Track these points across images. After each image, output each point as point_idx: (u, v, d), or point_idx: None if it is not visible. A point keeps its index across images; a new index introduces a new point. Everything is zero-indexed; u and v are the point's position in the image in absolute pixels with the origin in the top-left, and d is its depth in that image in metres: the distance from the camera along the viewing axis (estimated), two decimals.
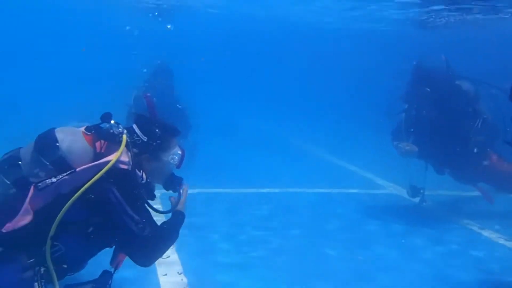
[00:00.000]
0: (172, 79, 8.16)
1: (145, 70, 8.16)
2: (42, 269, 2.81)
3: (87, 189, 2.78)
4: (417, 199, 6.35)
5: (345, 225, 5.73)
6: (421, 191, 6.21)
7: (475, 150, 5.95)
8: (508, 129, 5.93)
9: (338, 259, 4.68)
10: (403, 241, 5.29)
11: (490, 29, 13.50)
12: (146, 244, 2.98)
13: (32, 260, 2.82)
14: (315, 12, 14.70)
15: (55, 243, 2.82)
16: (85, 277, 3.13)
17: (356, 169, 9.07)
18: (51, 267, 2.79)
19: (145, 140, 3.12)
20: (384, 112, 6.27)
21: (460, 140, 5.92)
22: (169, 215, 3.35)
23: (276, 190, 7.22)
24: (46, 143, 2.89)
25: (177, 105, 7.89)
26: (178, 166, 3.28)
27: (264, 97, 19.96)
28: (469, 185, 6.49)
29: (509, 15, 11.61)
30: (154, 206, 3.17)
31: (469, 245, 5.20)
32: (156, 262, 3.40)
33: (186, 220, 3.35)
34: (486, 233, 5.62)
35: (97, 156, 2.92)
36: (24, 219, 2.70)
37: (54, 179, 2.74)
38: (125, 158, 2.94)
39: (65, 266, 2.92)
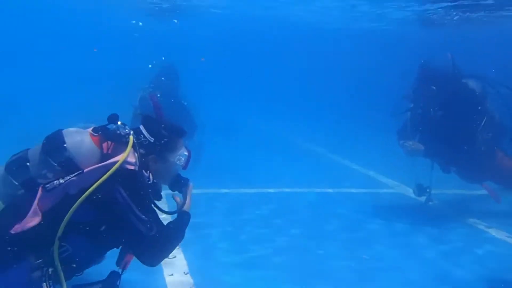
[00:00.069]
0: (177, 79, 8.17)
1: (150, 65, 8.15)
2: (50, 269, 2.82)
3: (94, 190, 2.79)
4: (423, 198, 6.33)
5: (350, 225, 5.72)
6: (428, 190, 6.19)
7: (482, 149, 5.93)
8: None
9: (343, 258, 4.67)
10: (407, 240, 5.28)
11: (496, 26, 13.44)
12: (153, 244, 3.01)
13: (40, 260, 2.84)
14: (316, 12, 14.71)
15: (62, 243, 2.84)
16: (92, 278, 3.14)
17: (362, 168, 9.05)
18: (59, 267, 2.81)
19: (152, 141, 3.14)
20: (390, 111, 6.24)
21: (467, 139, 5.89)
22: (175, 215, 3.37)
23: (279, 190, 7.21)
24: (54, 144, 2.90)
25: (183, 102, 7.89)
26: (185, 167, 3.29)
27: (267, 97, 19.96)
28: (475, 183, 6.46)
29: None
30: (160, 207, 3.18)
31: (476, 244, 5.18)
32: (162, 262, 3.41)
33: (191, 220, 3.37)
34: (493, 232, 5.59)
35: (104, 157, 2.94)
36: (32, 220, 2.72)
37: (62, 180, 2.76)
38: (132, 158, 2.96)
39: (74, 266, 2.95)
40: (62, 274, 2.81)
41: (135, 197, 2.92)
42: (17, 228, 2.72)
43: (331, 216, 6.01)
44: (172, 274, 4.07)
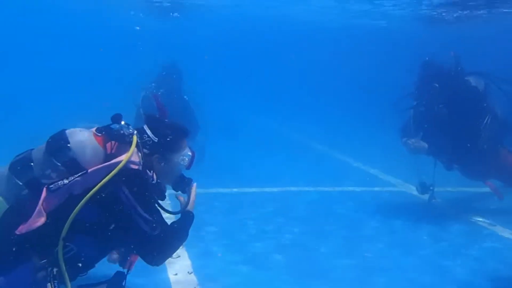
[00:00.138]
0: (180, 79, 8.15)
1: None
2: (55, 269, 2.82)
3: (98, 190, 2.79)
4: (426, 196, 6.32)
5: (352, 223, 5.71)
6: (431, 188, 6.18)
7: (485, 146, 5.92)
8: None
9: (344, 256, 4.67)
10: (410, 238, 5.28)
11: (498, 24, 13.41)
12: (157, 244, 3.02)
13: (44, 260, 2.83)
14: (317, 11, 14.70)
15: (67, 243, 2.83)
16: (97, 278, 3.15)
17: (364, 166, 9.04)
18: (63, 267, 2.80)
19: (156, 140, 3.14)
20: (392, 109, 6.22)
21: (470, 136, 5.88)
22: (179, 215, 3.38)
23: (281, 189, 7.21)
24: (58, 144, 2.90)
25: (185, 99, 7.87)
26: (188, 167, 3.29)
27: (268, 95, 19.94)
28: (478, 181, 6.45)
29: None
30: (164, 207, 3.18)
31: (480, 242, 5.17)
32: (166, 262, 3.41)
33: (194, 220, 3.38)
34: (497, 230, 5.59)
35: (108, 157, 2.93)
36: (37, 221, 2.71)
37: (66, 181, 2.76)
38: (136, 158, 2.96)
39: (78, 266, 2.94)
40: (66, 275, 2.81)
41: (139, 197, 2.92)
42: (22, 229, 2.71)
43: (332, 215, 6.01)
44: (176, 274, 4.07)
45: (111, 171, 2.81)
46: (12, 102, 13.93)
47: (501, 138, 6.13)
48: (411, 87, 6.04)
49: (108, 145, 2.99)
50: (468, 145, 5.87)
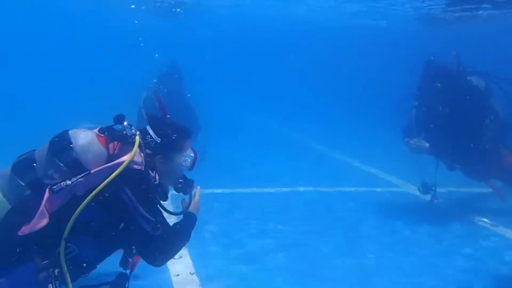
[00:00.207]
0: (181, 79, 8.13)
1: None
2: (56, 270, 2.81)
3: (100, 190, 2.78)
4: (428, 197, 6.31)
5: (354, 224, 5.71)
6: (433, 188, 6.16)
7: (487, 146, 5.91)
8: None
9: (346, 257, 4.67)
10: (412, 238, 5.27)
11: (500, 24, 13.40)
12: (159, 244, 3.02)
13: (46, 261, 2.82)
14: (319, 11, 14.70)
15: (69, 244, 2.82)
16: (100, 279, 3.14)
17: (366, 167, 9.03)
18: (65, 268, 2.79)
19: (159, 141, 3.13)
20: (394, 109, 6.22)
21: (472, 136, 5.88)
22: (181, 216, 3.37)
23: (282, 189, 7.22)
24: (60, 144, 2.89)
25: (188, 97, 7.85)
26: (191, 168, 3.29)
27: (268, 95, 19.95)
28: (480, 181, 6.44)
29: None
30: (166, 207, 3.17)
31: (481, 242, 5.17)
32: (168, 263, 3.42)
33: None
34: (498, 230, 5.58)
35: (111, 157, 2.92)
36: (40, 222, 2.70)
37: (69, 182, 2.74)
38: (138, 158, 2.95)
39: (80, 267, 2.93)
40: (68, 275, 2.80)
41: (141, 197, 2.90)
42: (24, 230, 2.70)
43: (333, 215, 6.02)
44: (178, 275, 4.07)
45: (113, 172, 2.80)
46: (14, 102, 13.94)
47: (503, 138, 6.12)
48: (413, 87, 6.03)
49: (111, 145, 2.98)
50: (470, 145, 5.86)
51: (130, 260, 3.34)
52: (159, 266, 3.22)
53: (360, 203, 6.63)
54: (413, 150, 6.00)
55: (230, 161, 9.09)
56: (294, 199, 6.80)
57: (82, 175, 2.77)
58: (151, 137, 3.13)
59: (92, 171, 2.80)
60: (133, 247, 3.24)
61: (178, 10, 15.02)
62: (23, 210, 2.79)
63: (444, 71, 5.90)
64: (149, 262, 3.14)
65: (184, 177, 3.37)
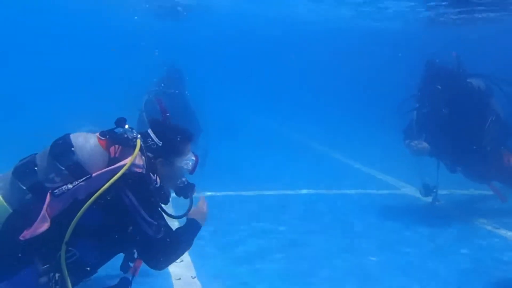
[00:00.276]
0: (183, 83, 8.09)
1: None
2: (57, 274, 2.80)
3: (102, 193, 2.77)
4: (429, 198, 6.30)
5: (356, 226, 5.70)
6: (434, 190, 6.16)
7: (488, 148, 5.90)
8: None
9: (350, 259, 4.66)
10: (414, 241, 5.25)
11: (500, 26, 13.40)
12: (160, 248, 3.02)
13: (47, 265, 2.81)
14: (319, 11, 14.70)
15: (70, 248, 2.81)
16: (102, 283, 3.13)
17: (368, 169, 9.02)
18: (66, 272, 2.78)
19: (160, 144, 3.12)
20: (395, 111, 6.20)
21: (473, 138, 5.87)
22: (183, 220, 3.36)
23: (282, 190, 7.21)
24: (62, 148, 2.88)
25: (187, 93, 7.82)
26: (192, 171, 3.28)
27: (269, 95, 19.95)
28: (482, 183, 6.44)
29: None
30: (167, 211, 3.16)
31: (483, 244, 5.16)
32: (169, 267, 3.40)
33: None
34: (500, 232, 5.57)
35: (112, 160, 2.91)
36: (41, 226, 2.69)
37: (70, 186, 2.73)
38: (140, 161, 2.94)
39: (81, 271, 2.92)
40: (68, 280, 2.79)
41: (143, 200, 2.90)
42: (26, 234, 2.69)
43: (333, 216, 6.02)
44: (179, 278, 4.05)
45: (115, 175, 2.79)
46: (14, 102, 13.93)
47: (504, 139, 6.11)
48: (414, 89, 6.03)
49: (112, 149, 2.97)
50: (471, 146, 5.85)
51: (130, 264, 3.34)
52: (161, 269, 3.22)
53: (360, 204, 6.62)
54: (414, 152, 5.99)
55: (230, 161, 9.08)
56: (294, 199, 6.79)
57: (83, 178, 2.77)
58: (153, 140, 3.13)
59: (93, 175, 2.79)
60: (134, 251, 3.24)
61: (179, 8, 14.99)
62: (24, 214, 2.78)
63: (445, 72, 5.89)
64: (151, 266, 3.14)
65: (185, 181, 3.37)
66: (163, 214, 3.07)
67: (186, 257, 4.40)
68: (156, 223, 2.93)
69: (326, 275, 4.27)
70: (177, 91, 7.66)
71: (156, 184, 3.08)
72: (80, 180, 2.76)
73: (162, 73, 8.01)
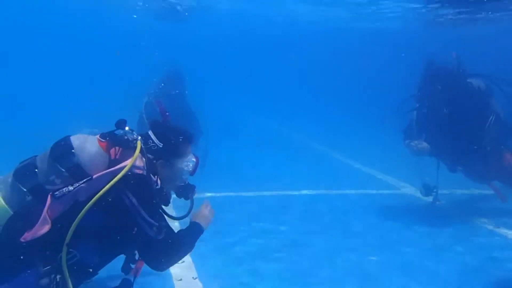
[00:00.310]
0: (183, 84, 8.09)
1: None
2: (58, 276, 2.81)
3: (103, 195, 2.78)
4: (430, 198, 6.31)
5: (356, 226, 5.69)
6: (434, 190, 6.16)
7: (488, 148, 5.90)
8: None
9: (350, 259, 4.66)
10: (415, 241, 5.25)
11: (501, 26, 13.40)
12: (161, 248, 3.03)
13: (48, 267, 2.82)
14: (319, 11, 14.70)
15: (70, 250, 2.82)
16: (101, 285, 3.13)
17: (368, 169, 9.02)
18: (67, 274, 2.79)
19: (161, 146, 3.12)
20: (395, 111, 6.21)
21: (473, 138, 5.87)
22: (185, 222, 3.36)
23: (283, 190, 7.20)
24: (62, 150, 2.89)
25: (187, 102, 7.82)
26: (192, 173, 3.29)
27: (268, 95, 19.94)
28: (482, 183, 6.44)
29: None
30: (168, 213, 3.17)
31: (484, 244, 5.16)
32: (171, 268, 3.41)
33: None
34: (501, 231, 5.57)
35: (112, 162, 2.92)
36: (42, 228, 2.70)
37: (71, 187, 2.74)
38: (140, 163, 2.95)
39: (82, 272, 2.93)
40: (69, 281, 2.80)
41: (144, 202, 2.91)
42: (27, 236, 2.70)
43: (334, 216, 6.02)
44: (181, 279, 4.05)
45: (115, 177, 2.80)
46: (14, 102, 13.93)
47: (504, 139, 6.12)
48: (414, 89, 6.03)
49: (112, 150, 2.98)
50: (471, 146, 5.85)
51: (132, 266, 3.35)
52: (161, 270, 3.24)
53: (360, 204, 6.62)
54: (414, 152, 5.99)
55: (230, 162, 9.08)
56: (294, 199, 6.80)
57: (84, 180, 2.78)
58: (153, 142, 3.14)
59: (94, 177, 2.80)
60: (135, 253, 3.25)
61: (179, 8, 14.98)
62: (25, 216, 2.79)
63: (445, 72, 5.89)
64: (152, 267, 3.15)
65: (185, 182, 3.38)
66: (164, 215, 3.08)
67: (187, 257, 4.37)
68: (157, 224, 2.94)
69: (326, 275, 4.27)
70: (177, 91, 7.67)
71: (157, 185, 3.08)
72: (81, 182, 2.77)
73: (162, 74, 8.01)
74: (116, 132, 3.03)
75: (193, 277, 4.10)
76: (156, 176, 3.09)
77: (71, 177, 2.82)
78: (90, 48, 23.28)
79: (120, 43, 20.09)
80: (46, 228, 2.71)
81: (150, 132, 3.19)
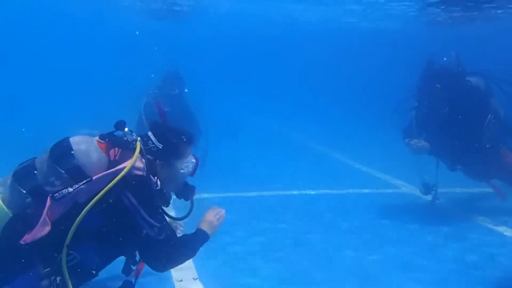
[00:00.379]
0: (182, 85, 8.10)
1: (152, 75, 8.08)
2: (58, 278, 2.81)
3: (102, 196, 2.78)
4: (429, 197, 6.31)
5: (357, 225, 5.71)
6: (434, 188, 6.16)
7: (487, 146, 5.91)
8: None
9: (351, 257, 4.68)
10: (414, 239, 5.26)
11: (500, 25, 13.39)
12: (162, 249, 3.02)
13: (48, 269, 2.82)
14: (318, 11, 14.70)
15: (70, 251, 2.82)
16: (102, 286, 3.14)
17: (367, 168, 9.03)
18: (67, 276, 2.79)
19: (160, 147, 3.12)
20: (394, 106, 6.21)
21: (472, 136, 5.88)
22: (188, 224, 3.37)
23: (283, 190, 7.21)
24: (61, 151, 2.89)
25: (187, 104, 7.82)
26: (192, 174, 3.29)
27: (268, 95, 19.92)
28: (481, 181, 6.44)
29: None
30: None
31: (483, 242, 5.17)
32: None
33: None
34: (500, 230, 5.58)
35: (112, 163, 2.92)
36: (42, 230, 2.70)
37: (70, 189, 2.75)
38: (140, 164, 2.95)
39: (82, 274, 2.93)
40: (70, 283, 2.80)
41: (144, 202, 2.90)
42: (27, 238, 2.70)
43: (337, 217, 6.01)
44: (181, 280, 4.06)
45: (115, 178, 2.80)
46: (14, 103, 13.93)
47: (503, 137, 6.12)
48: (413, 88, 6.03)
49: (112, 152, 2.98)
50: (470, 145, 5.86)
51: (132, 267, 3.35)
52: (161, 271, 3.23)
53: (360, 203, 6.63)
54: (413, 151, 5.99)
55: (230, 162, 9.08)
56: (295, 199, 6.81)
57: (83, 182, 2.78)
58: (153, 143, 3.13)
59: (93, 178, 2.80)
60: (136, 254, 3.25)
61: (178, 8, 14.98)
62: (24, 218, 2.79)
63: (444, 71, 5.90)
64: (153, 268, 3.15)
65: (185, 183, 3.37)
66: (165, 216, 3.08)
67: None
68: (158, 224, 2.93)
69: (326, 275, 4.27)
70: (177, 90, 7.68)
71: (157, 186, 3.09)
72: (81, 183, 2.77)
73: (161, 74, 8.02)
74: (116, 133, 3.03)
75: (193, 278, 4.10)
76: (156, 177, 3.10)
77: (71, 178, 2.82)
78: (90, 48, 23.29)
79: (120, 43, 20.12)
80: (46, 230, 2.71)
81: (149, 133, 3.19)
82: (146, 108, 7.17)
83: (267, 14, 16.25)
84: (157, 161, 3.13)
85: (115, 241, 2.95)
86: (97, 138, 3.03)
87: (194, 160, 3.27)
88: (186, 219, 3.34)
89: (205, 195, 6.37)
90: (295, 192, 7.17)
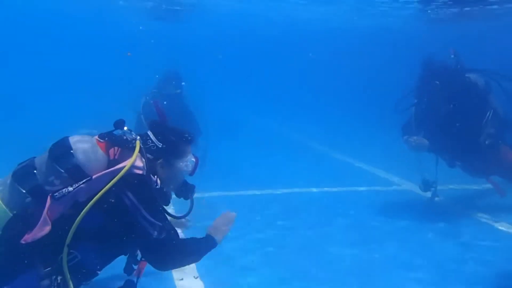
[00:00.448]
0: (181, 85, 8.10)
1: (157, 76, 8.09)
2: (59, 277, 2.81)
3: (102, 196, 2.78)
4: (429, 194, 6.32)
5: (357, 223, 5.72)
6: (433, 185, 6.17)
7: (486, 143, 5.91)
8: None
9: (351, 256, 4.69)
10: (414, 236, 5.28)
11: (500, 22, 13.38)
12: (164, 248, 3.00)
13: (48, 268, 2.83)
14: (319, 11, 14.70)
15: (71, 251, 2.82)
16: (103, 286, 3.15)
17: (367, 166, 9.04)
18: (68, 275, 2.80)
19: (160, 146, 3.13)
20: (393, 105, 6.22)
21: (471, 133, 5.88)
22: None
23: (283, 190, 7.23)
24: (61, 151, 2.90)
25: (187, 104, 7.82)
26: (192, 173, 3.29)
27: (269, 95, 19.91)
28: (481, 178, 6.45)
29: None
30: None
31: (483, 239, 5.18)
32: None
33: (199, 224, 3.38)
34: (500, 226, 5.59)
35: (111, 163, 2.93)
36: (43, 229, 2.70)
37: (70, 188, 2.75)
38: (140, 163, 2.95)
39: (83, 273, 2.94)
40: (70, 282, 2.80)
41: (144, 201, 2.91)
42: (27, 238, 2.70)
43: (337, 215, 6.02)
44: (182, 279, 4.07)
45: (115, 177, 2.81)
46: (14, 103, 13.94)
47: (503, 134, 6.13)
48: (411, 85, 6.04)
49: (111, 151, 2.99)
50: (469, 142, 5.87)
51: (134, 266, 3.36)
52: (163, 270, 3.23)
53: (360, 202, 6.64)
54: (412, 148, 6.01)
55: (230, 162, 9.09)
56: (295, 198, 6.82)
57: (83, 181, 2.78)
58: (153, 142, 3.14)
59: (93, 177, 2.80)
60: (138, 253, 3.26)
61: (178, 8, 14.99)
62: (24, 217, 2.79)
63: (443, 68, 5.90)
64: (154, 266, 3.13)
65: (185, 182, 3.38)
66: (166, 215, 3.09)
67: None
68: (160, 223, 2.93)
69: (327, 274, 4.28)
70: (178, 90, 7.69)
71: (157, 185, 3.09)
72: (80, 183, 2.77)
73: (160, 74, 8.03)
74: (115, 132, 3.03)
75: (194, 276, 4.11)
76: (155, 176, 3.10)
77: (71, 178, 2.82)
78: (90, 48, 23.29)
79: (120, 43, 20.12)
80: (46, 229, 2.71)
81: (149, 132, 3.19)
82: (145, 107, 7.19)
83: (267, 14, 16.25)
84: (157, 160, 3.14)
85: (115, 241, 2.95)
86: (96, 137, 3.03)
87: (194, 159, 3.27)
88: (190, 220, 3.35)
89: (208, 194, 6.38)
90: (295, 191, 7.18)
